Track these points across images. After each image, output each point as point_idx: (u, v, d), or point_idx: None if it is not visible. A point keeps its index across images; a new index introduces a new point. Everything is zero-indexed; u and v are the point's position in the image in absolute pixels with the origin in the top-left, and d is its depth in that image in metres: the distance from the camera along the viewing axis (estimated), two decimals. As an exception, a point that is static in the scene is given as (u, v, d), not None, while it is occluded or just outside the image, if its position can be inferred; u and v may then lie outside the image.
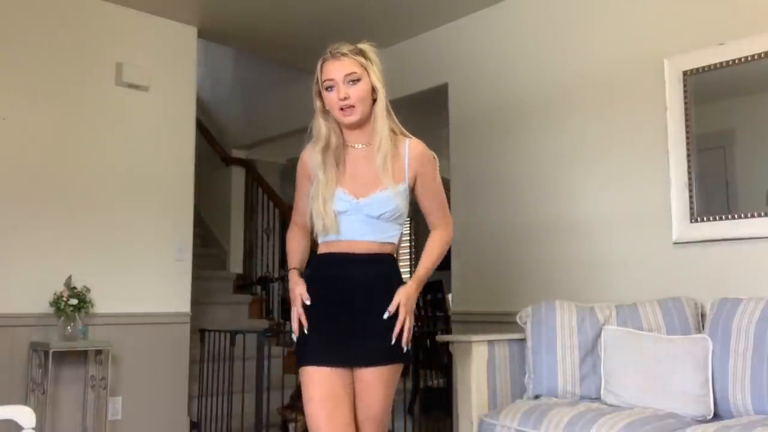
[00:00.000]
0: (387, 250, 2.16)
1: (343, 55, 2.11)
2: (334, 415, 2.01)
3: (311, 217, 2.14)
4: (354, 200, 2.10)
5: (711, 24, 3.15)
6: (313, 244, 2.27)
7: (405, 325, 2.10)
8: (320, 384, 2.04)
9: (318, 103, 2.18)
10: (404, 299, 2.11)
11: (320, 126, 2.17)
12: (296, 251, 2.30)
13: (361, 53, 2.13)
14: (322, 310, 2.11)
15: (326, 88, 2.12)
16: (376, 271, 2.13)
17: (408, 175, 2.16)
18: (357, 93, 2.10)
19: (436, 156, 2.23)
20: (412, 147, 2.18)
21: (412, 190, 2.19)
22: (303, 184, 2.24)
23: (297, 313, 2.14)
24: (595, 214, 3.49)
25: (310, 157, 2.17)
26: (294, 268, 2.25)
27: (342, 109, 2.10)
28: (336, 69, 2.10)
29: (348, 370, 2.07)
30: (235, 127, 6.35)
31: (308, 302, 2.13)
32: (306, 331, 2.12)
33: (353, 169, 2.14)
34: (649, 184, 3.28)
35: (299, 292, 2.15)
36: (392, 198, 2.10)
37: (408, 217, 2.27)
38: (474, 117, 4.14)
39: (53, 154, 3.78)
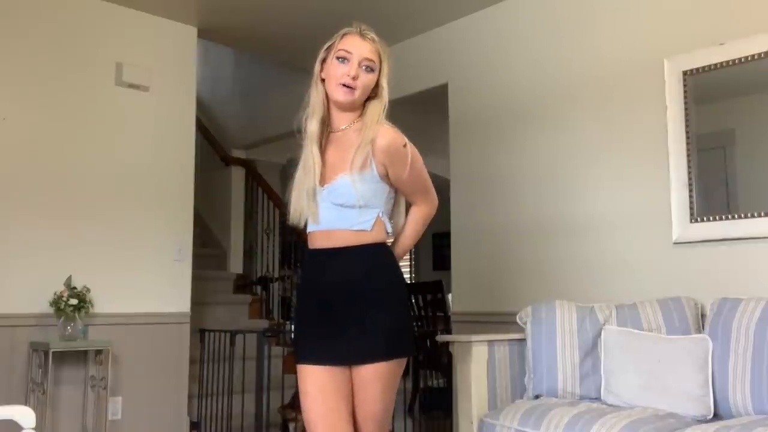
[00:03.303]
0: (366, 239, 2.04)
1: (371, 39, 2.08)
2: (330, 409, 1.98)
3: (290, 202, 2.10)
4: (319, 187, 2.05)
5: (711, 24, 3.15)
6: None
7: None
8: (315, 379, 2.01)
9: (317, 68, 2.11)
10: None
11: (318, 93, 2.10)
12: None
13: (382, 48, 2.10)
14: (316, 308, 2.08)
15: (338, 58, 2.05)
16: (361, 264, 2.05)
17: (374, 165, 2.03)
18: (365, 81, 2.06)
19: (407, 142, 2.07)
20: (379, 137, 2.01)
21: (388, 177, 2.08)
22: None
23: None
24: (594, 213, 3.49)
25: (305, 129, 2.10)
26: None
27: (343, 85, 2.04)
28: (358, 46, 2.05)
29: (346, 368, 2.04)
30: (235, 127, 6.35)
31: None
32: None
33: (326, 155, 2.09)
34: (649, 184, 3.28)
35: None
36: (352, 185, 2.01)
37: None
38: (474, 117, 4.14)
39: (53, 154, 3.78)
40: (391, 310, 2.07)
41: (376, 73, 2.08)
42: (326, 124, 2.11)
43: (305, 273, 2.16)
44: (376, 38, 2.09)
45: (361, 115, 2.11)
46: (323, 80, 2.10)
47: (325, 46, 2.11)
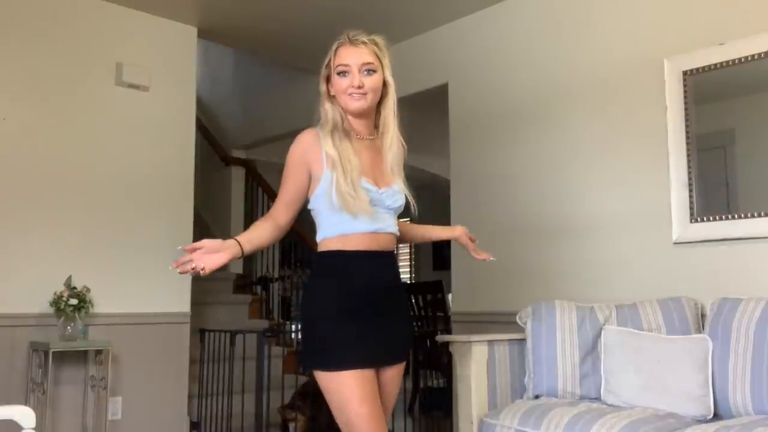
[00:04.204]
0: (395, 243, 2.17)
1: (363, 43, 2.08)
2: (378, 408, 1.99)
3: (338, 200, 2.00)
4: (377, 190, 2.06)
5: (711, 24, 3.15)
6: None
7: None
8: (365, 382, 1.98)
9: (324, 87, 2.12)
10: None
11: (328, 109, 2.11)
12: (255, 230, 2.18)
13: (377, 45, 2.10)
14: (362, 311, 2.03)
15: (339, 73, 2.07)
16: (395, 268, 2.17)
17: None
18: (372, 84, 2.07)
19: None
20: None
21: None
22: (298, 172, 2.09)
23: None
24: (595, 213, 3.49)
25: (321, 141, 2.07)
26: (237, 239, 2.10)
27: (351, 95, 2.05)
28: (353, 55, 2.06)
29: (375, 370, 2.05)
30: (235, 127, 6.35)
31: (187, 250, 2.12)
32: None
33: (364, 160, 2.09)
34: (649, 184, 3.28)
35: (206, 242, 2.12)
36: (401, 192, 2.12)
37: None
38: (474, 117, 4.14)
39: (53, 155, 3.78)
40: (408, 311, 2.30)
41: (380, 72, 2.09)
42: (348, 132, 2.11)
43: (346, 275, 2.06)
44: (367, 40, 2.09)
45: (377, 120, 2.16)
46: (334, 96, 2.11)
47: (324, 64, 2.12)
